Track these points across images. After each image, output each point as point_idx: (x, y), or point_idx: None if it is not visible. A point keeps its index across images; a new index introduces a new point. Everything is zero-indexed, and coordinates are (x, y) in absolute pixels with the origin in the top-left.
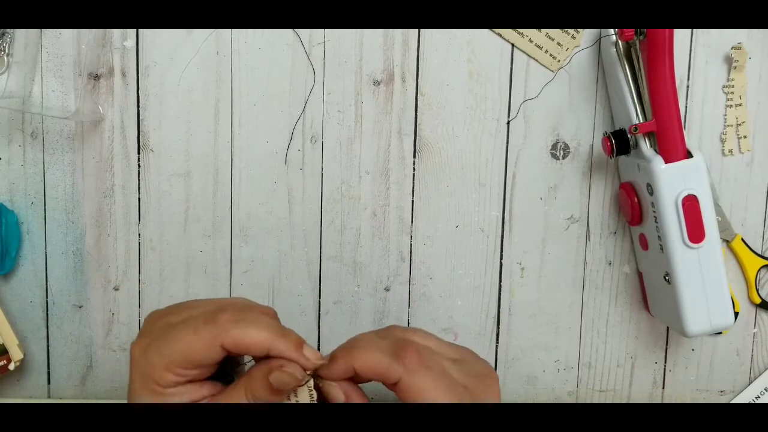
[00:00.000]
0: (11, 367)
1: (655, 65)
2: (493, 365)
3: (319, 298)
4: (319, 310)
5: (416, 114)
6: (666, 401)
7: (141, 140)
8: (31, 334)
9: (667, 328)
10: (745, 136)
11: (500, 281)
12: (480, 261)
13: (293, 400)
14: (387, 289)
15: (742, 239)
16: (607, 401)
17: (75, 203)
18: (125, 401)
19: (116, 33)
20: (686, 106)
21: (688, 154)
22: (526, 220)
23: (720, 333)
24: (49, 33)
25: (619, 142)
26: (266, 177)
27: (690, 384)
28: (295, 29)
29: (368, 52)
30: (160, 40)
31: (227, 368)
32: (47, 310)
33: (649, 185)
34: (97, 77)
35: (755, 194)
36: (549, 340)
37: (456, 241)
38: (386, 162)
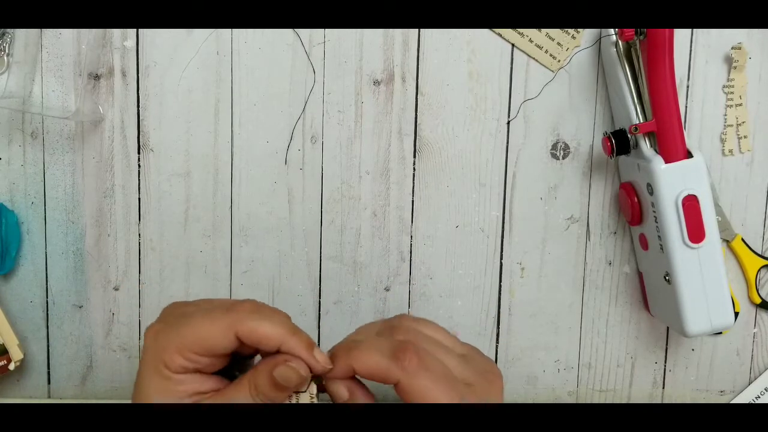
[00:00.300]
0: (11, 367)
1: (655, 65)
2: None
3: (319, 298)
4: (319, 310)
5: (416, 114)
6: (666, 401)
7: (141, 140)
8: (31, 334)
9: (667, 328)
10: (745, 136)
11: (500, 281)
12: (480, 261)
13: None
14: (387, 289)
15: (742, 239)
16: (607, 401)
17: (75, 203)
18: (125, 401)
19: (116, 33)
20: (686, 106)
21: (688, 154)
22: (526, 220)
23: (720, 333)
24: (49, 33)
25: (619, 142)
26: (266, 177)
27: (690, 384)
28: (295, 29)
29: (368, 52)
30: (160, 40)
31: (234, 370)
32: (47, 310)
33: (649, 185)
34: (97, 77)
35: (755, 194)
36: (549, 340)
37: (456, 241)
38: (386, 162)
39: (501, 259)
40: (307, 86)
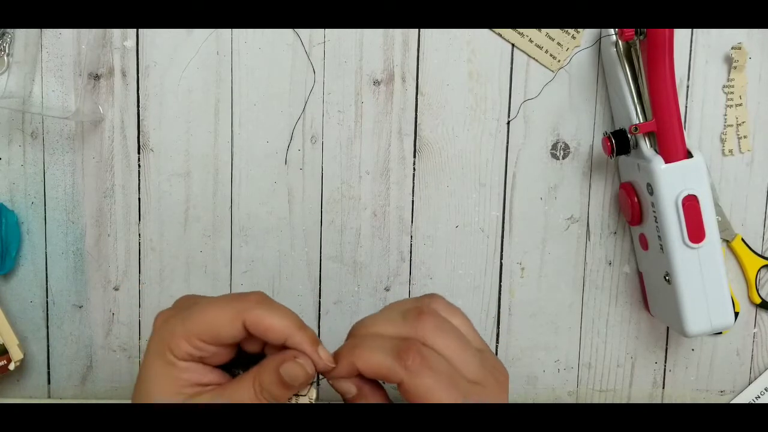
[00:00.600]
0: (11, 367)
1: (655, 65)
2: None
3: (319, 298)
4: (319, 310)
5: (416, 114)
6: (666, 401)
7: (141, 140)
8: (31, 334)
9: (667, 328)
10: (745, 136)
11: (500, 281)
12: (480, 261)
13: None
14: (387, 289)
15: (742, 239)
16: (607, 401)
17: (75, 203)
18: (125, 401)
19: (116, 33)
20: (686, 106)
21: (688, 154)
22: (526, 220)
23: (720, 333)
24: (49, 33)
25: (619, 142)
26: (266, 177)
27: (690, 384)
28: (295, 29)
29: (368, 52)
30: (160, 40)
31: (236, 368)
32: (47, 310)
33: (649, 185)
34: (97, 77)
35: (755, 194)
36: (549, 340)
37: (456, 241)
38: (386, 162)
39: (501, 259)
40: (307, 86)
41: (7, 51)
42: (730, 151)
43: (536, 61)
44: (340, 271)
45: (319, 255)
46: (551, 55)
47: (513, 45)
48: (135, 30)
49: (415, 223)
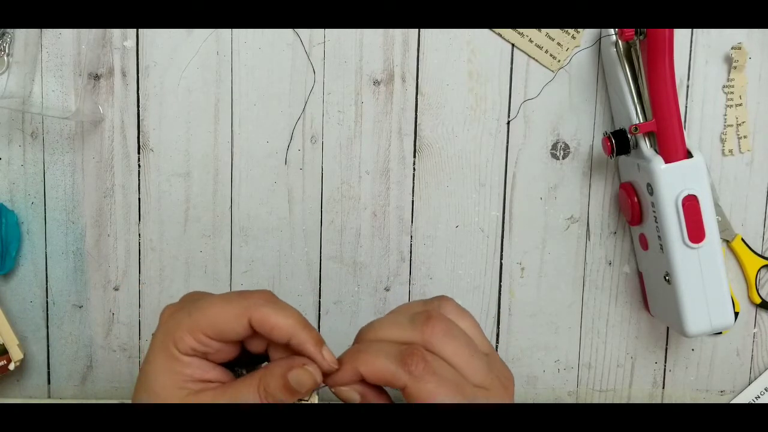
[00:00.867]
0: (11, 367)
1: (655, 65)
2: None
3: (319, 298)
4: (319, 310)
5: (416, 114)
6: (666, 401)
7: (141, 140)
8: (31, 334)
9: (667, 328)
10: (745, 136)
11: (500, 281)
12: (480, 261)
13: None
14: (387, 289)
15: (742, 239)
16: (607, 401)
17: (75, 203)
18: (126, 401)
19: (116, 33)
20: (686, 106)
21: (688, 154)
22: (526, 220)
23: (720, 333)
24: (49, 33)
25: (619, 142)
26: (266, 177)
27: (690, 384)
28: (295, 29)
29: (368, 52)
30: (160, 40)
31: (239, 368)
32: (47, 310)
33: (649, 185)
34: (97, 77)
35: (755, 194)
36: (549, 340)
37: (456, 241)
38: (386, 162)
39: (501, 259)
40: (307, 86)
41: (7, 51)
42: (730, 151)
43: (536, 61)
44: (340, 271)
45: (319, 255)
46: (551, 55)
47: (513, 45)
48: (135, 30)
49: (415, 223)
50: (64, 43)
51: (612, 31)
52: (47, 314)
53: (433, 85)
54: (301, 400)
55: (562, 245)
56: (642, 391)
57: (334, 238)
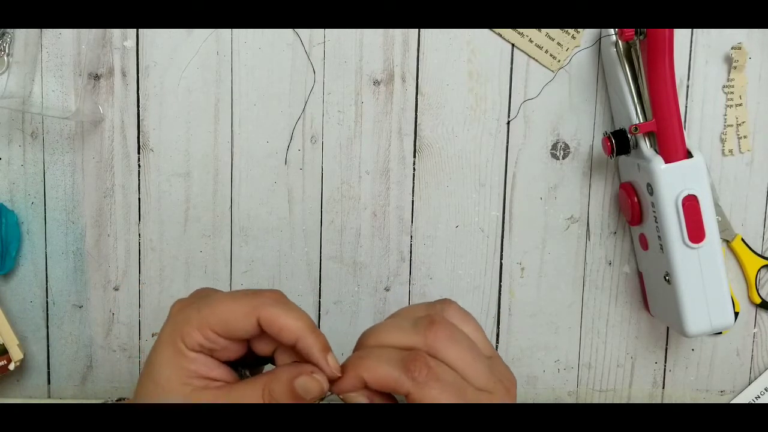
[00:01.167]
0: (11, 367)
1: (655, 65)
2: None
3: (319, 298)
4: (319, 310)
5: (416, 114)
6: (666, 401)
7: (141, 140)
8: (31, 334)
9: (667, 328)
10: (745, 136)
11: (500, 281)
12: (480, 261)
13: None
14: (387, 289)
15: (742, 239)
16: (607, 401)
17: (75, 203)
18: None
19: (116, 33)
20: (686, 106)
21: (688, 154)
22: (526, 220)
23: (720, 333)
24: (49, 33)
25: (619, 142)
26: (266, 177)
27: (690, 384)
28: (295, 29)
29: (368, 52)
30: (160, 40)
31: (245, 368)
32: (47, 310)
33: (649, 185)
34: (97, 77)
35: (755, 194)
36: (549, 340)
37: (456, 241)
38: (386, 162)
39: (501, 259)
40: (307, 86)
41: (7, 51)
42: (730, 151)
43: (536, 61)
44: (340, 271)
45: (319, 255)
46: (551, 55)
47: (513, 45)
48: (135, 30)
49: (415, 223)
50: (64, 43)
51: (612, 31)
52: (47, 314)
53: (433, 85)
54: None
55: (562, 245)
56: (642, 391)
57: (334, 238)
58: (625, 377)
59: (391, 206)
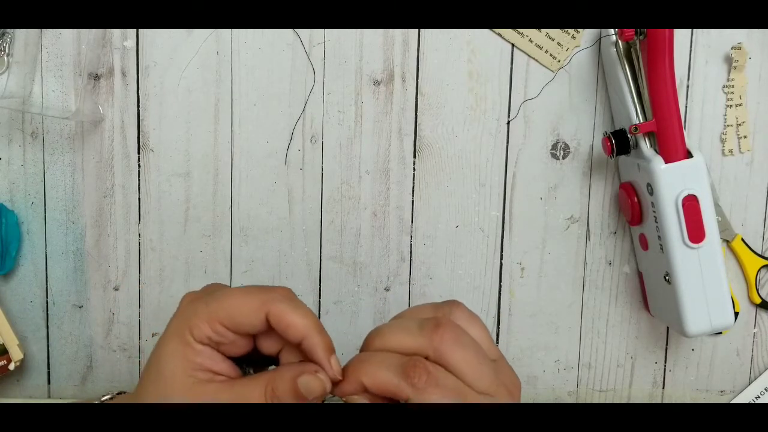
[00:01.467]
0: (11, 367)
1: (655, 65)
2: None
3: (319, 298)
4: (319, 310)
5: (416, 114)
6: (666, 401)
7: (141, 140)
8: (31, 334)
9: (667, 328)
10: (745, 136)
11: (500, 281)
12: (480, 261)
13: None
14: (387, 289)
15: (742, 239)
16: (607, 401)
17: (75, 203)
18: (124, 391)
19: (116, 33)
20: (686, 106)
21: (688, 154)
22: (526, 220)
23: (720, 333)
24: (49, 33)
25: (619, 142)
26: (266, 177)
27: (690, 384)
28: (295, 29)
29: (368, 52)
30: (160, 40)
31: (249, 366)
32: (47, 310)
33: (649, 185)
34: (97, 77)
35: (755, 194)
36: (549, 340)
37: (456, 241)
38: (386, 162)
39: (501, 259)
40: (307, 86)
41: (7, 51)
42: (730, 151)
43: (536, 61)
44: (340, 271)
45: (319, 255)
46: (551, 55)
47: (513, 45)
48: (135, 30)
49: (415, 223)
50: (64, 43)
51: (612, 31)
52: (47, 314)
53: (433, 85)
54: None
55: (562, 245)
56: (642, 391)
57: (334, 238)
58: (625, 377)
59: (391, 206)
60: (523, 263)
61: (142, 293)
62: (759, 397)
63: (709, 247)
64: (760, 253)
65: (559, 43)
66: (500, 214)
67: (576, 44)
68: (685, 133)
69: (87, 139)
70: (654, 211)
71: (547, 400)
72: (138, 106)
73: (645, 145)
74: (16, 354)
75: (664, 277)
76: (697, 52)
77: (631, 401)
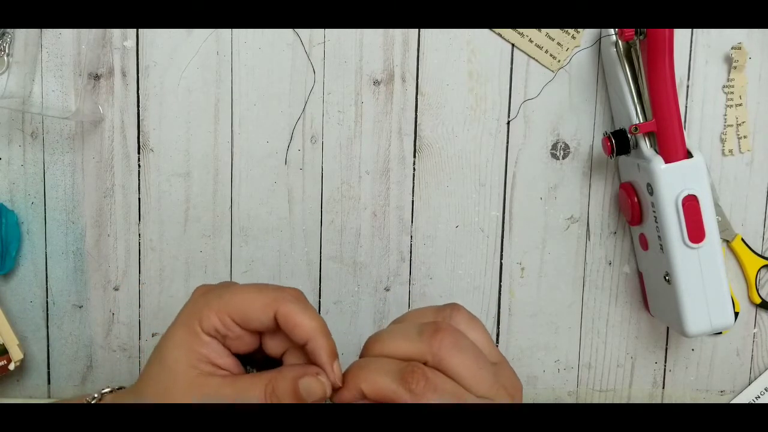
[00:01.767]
0: (11, 367)
1: (655, 65)
2: None
3: (319, 298)
4: (319, 310)
5: (416, 114)
6: (666, 401)
7: (141, 140)
8: (31, 334)
9: (667, 328)
10: (745, 136)
11: (500, 281)
12: (480, 261)
13: None
14: (387, 289)
15: (742, 239)
16: (607, 401)
17: (75, 203)
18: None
19: (116, 33)
20: (686, 106)
21: (688, 154)
22: (526, 220)
23: (720, 333)
24: (49, 33)
25: (619, 142)
26: (266, 177)
27: (690, 384)
28: (295, 29)
29: (368, 52)
30: (160, 40)
31: (252, 366)
32: (47, 310)
33: (649, 185)
34: (97, 77)
35: (755, 194)
36: (549, 340)
37: (456, 241)
38: (386, 162)
39: (501, 259)
40: (307, 86)
41: (7, 51)
42: (730, 151)
43: (536, 61)
44: (340, 271)
45: (319, 255)
46: (551, 55)
47: (513, 45)
48: (135, 30)
49: (415, 223)
50: (64, 43)
51: (612, 31)
52: (47, 314)
53: (433, 85)
54: None
55: (562, 245)
56: (642, 391)
57: (334, 238)
58: (625, 377)
59: (391, 206)
60: (523, 263)
61: (142, 293)
62: (759, 397)
63: (709, 247)
64: (760, 253)
65: (559, 43)
66: (500, 214)
67: (576, 44)
68: (685, 133)
69: (87, 139)
70: (654, 211)
71: (547, 400)
72: (138, 106)
73: (645, 145)
74: (16, 354)
75: (664, 277)
76: (697, 52)
77: (631, 401)
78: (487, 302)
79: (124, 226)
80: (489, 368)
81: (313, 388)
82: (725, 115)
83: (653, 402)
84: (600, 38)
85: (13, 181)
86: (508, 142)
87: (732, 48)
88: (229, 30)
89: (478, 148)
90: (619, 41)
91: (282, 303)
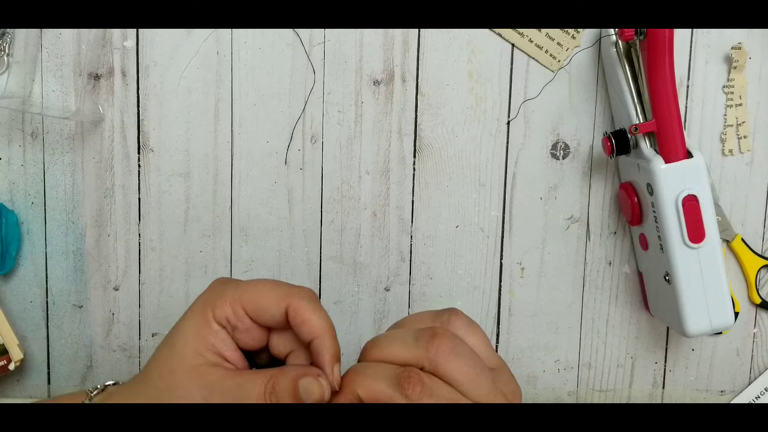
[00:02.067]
0: (11, 367)
1: (655, 65)
2: None
3: (320, 298)
4: None
5: (416, 114)
6: (666, 401)
7: (141, 140)
8: (31, 334)
9: (667, 328)
10: (745, 136)
11: (500, 281)
12: (480, 261)
13: None
14: (387, 289)
15: (742, 239)
16: (607, 401)
17: (75, 203)
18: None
19: (116, 33)
20: (686, 106)
21: (688, 154)
22: (526, 220)
23: (720, 333)
24: (49, 33)
25: (619, 142)
26: (266, 177)
27: (690, 384)
28: (295, 29)
29: (368, 52)
30: (160, 40)
31: (256, 365)
32: (47, 310)
33: (649, 185)
34: (97, 77)
35: (755, 194)
36: (549, 340)
37: (456, 241)
38: (386, 162)
39: (501, 259)
40: (307, 86)
41: (7, 51)
42: (730, 151)
43: (536, 61)
44: (340, 271)
45: (319, 255)
46: (551, 55)
47: (513, 45)
48: (135, 30)
49: (415, 223)
50: (64, 43)
51: (612, 31)
52: (47, 314)
53: (433, 85)
54: None
55: (562, 245)
56: (642, 391)
57: (334, 238)
58: (625, 377)
59: (391, 206)
60: (523, 263)
61: (142, 293)
62: (759, 397)
63: (709, 247)
64: (760, 253)
65: (559, 43)
66: (500, 214)
67: (576, 44)
68: (685, 133)
69: (87, 139)
70: (654, 211)
71: (547, 400)
72: (138, 106)
73: (645, 145)
74: (16, 354)
75: (664, 277)
76: (697, 52)
77: (631, 401)
78: (487, 302)
79: (124, 226)
80: (487, 373)
81: (312, 388)
82: (725, 115)
83: (653, 402)
84: (600, 38)
85: (13, 181)
86: (508, 142)
87: (732, 48)
88: (229, 30)
89: (478, 148)
90: (619, 41)
91: (295, 298)
